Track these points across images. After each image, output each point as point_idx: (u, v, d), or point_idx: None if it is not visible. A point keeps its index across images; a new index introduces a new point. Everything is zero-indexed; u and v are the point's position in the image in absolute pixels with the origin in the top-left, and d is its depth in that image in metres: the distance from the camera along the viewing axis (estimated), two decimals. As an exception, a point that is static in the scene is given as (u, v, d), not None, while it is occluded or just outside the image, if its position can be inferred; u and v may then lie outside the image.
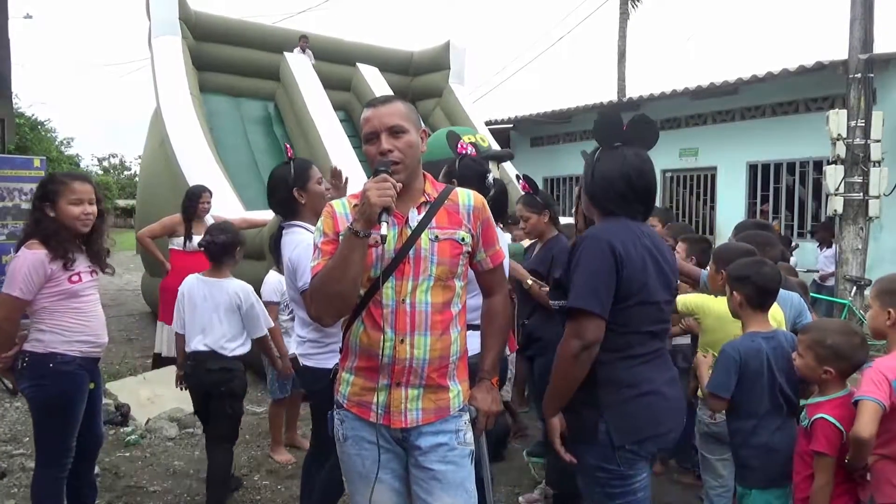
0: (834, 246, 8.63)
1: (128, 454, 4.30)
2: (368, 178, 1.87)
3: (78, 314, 2.87)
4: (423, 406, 1.90)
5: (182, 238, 5.35)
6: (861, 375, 2.36)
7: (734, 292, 2.61)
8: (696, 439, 3.01)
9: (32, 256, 2.73)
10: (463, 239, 1.93)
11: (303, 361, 2.79)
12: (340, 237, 1.87)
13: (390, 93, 11.07)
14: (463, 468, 1.94)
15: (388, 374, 1.88)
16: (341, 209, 1.96)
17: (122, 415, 4.78)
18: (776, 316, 2.92)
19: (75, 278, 2.84)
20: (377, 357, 1.87)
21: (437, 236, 1.90)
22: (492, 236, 2.03)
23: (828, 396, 2.31)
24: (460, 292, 1.96)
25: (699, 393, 2.84)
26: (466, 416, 1.99)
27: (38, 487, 2.90)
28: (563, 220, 4.09)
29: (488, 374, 2.07)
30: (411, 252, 1.87)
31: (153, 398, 5.06)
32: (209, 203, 5.50)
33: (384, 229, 1.75)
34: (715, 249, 3.16)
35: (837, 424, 2.21)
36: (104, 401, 4.91)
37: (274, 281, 4.01)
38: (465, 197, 2.00)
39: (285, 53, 10.71)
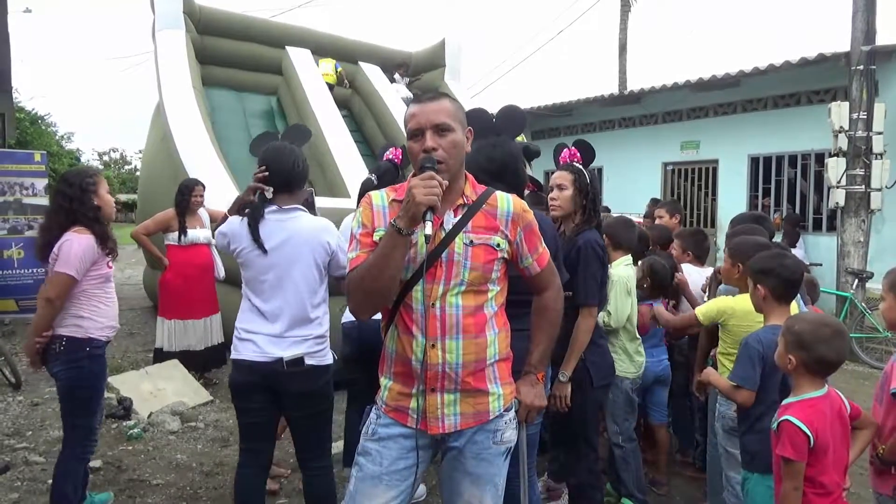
0: (801, 243, 8.92)
1: (130, 448, 4.30)
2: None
3: (108, 299, 3.09)
4: (462, 411, 1.88)
5: (177, 233, 5.34)
6: (890, 367, 2.32)
7: (758, 285, 2.59)
8: (718, 435, 2.96)
9: (85, 240, 2.94)
10: (498, 245, 1.88)
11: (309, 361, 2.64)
12: (376, 232, 1.85)
13: (391, 89, 11.12)
14: (495, 465, 1.94)
15: (421, 380, 1.85)
16: (379, 201, 1.92)
17: (125, 409, 4.80)
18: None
19: (111, 263, 3.06)
20: (410, 362, 1.85)
21: (471, 241, 1.85)
22: (535, 241, 1.97)
23: (799, 397, 2.16)
24: (495, 296, 1.92)
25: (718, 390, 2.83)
26: (509, 415, 1.97)
27: (65, 470, 3.02)
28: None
29: (534, 369, 2.07)
30: (444, 255, 1.83)
31: (155, 392, 5.07)
32: (202, 196, 5.49)
33: (428, 229, 1.71)
34: (731, 243, 3.13)
35: (803, 427, 2.06)
36: (106, 395, 4.94)
37: None
38: (505, 202, 1.92)
39: (287, 48, 10.72)
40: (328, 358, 2.71)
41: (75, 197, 2.99)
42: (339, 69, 11.31)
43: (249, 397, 2.66)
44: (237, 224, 2.70)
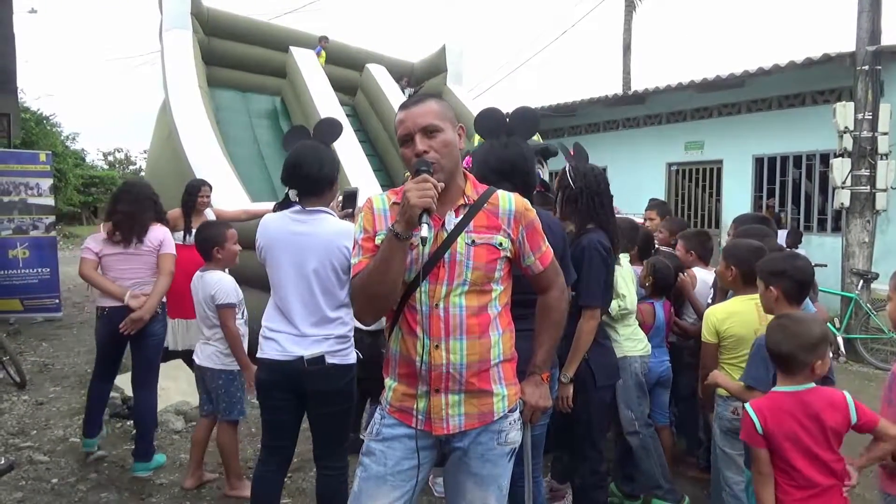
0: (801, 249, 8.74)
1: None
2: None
3: None
4: (466, 411, 1.88)
5: (182, 232, 5.36)
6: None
7: (770, 287, 2.59)
8: (716, 436, 2.96)
9: (169, 231, 4.10)
10: (500, 244, 1.88)
11: (330, 360, 2.65)
12: (378, 236, 1.85)
13: (397, 92, 11.17)
14: (499, 466, 1.94)
15: (426, 381, 1.85)
16: (380, 204, 1.92)
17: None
18: None
19: None
20: (414, 363, 1.85)
21: (473, 240, 1.85)
22: (537, 239, 1.96)
23: (773, 389, 2.23)
24: (499, 296, 1.92)
25: (721, 391, 2.83)
26: (514, 416, 1.97)
27: (152, 412, 4.08)
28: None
29: (539, 369, 2.06)
30: (446, 256, 1.83)
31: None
32: (208, 197, 5.52)
33: (425, 231, 1.69)
34: (725, 246, 3.12)
35: (752, 414, 2.14)
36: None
37: (230, 281, 3.57)
38: (506, 201, 1.92)
39: (291, 48, 10.77)
40: (351, 357, 2.73)
41: (155, 203, 4.05)
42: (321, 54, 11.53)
43: (272, 395, 2.72)
44: (264, 220, 2.79)
